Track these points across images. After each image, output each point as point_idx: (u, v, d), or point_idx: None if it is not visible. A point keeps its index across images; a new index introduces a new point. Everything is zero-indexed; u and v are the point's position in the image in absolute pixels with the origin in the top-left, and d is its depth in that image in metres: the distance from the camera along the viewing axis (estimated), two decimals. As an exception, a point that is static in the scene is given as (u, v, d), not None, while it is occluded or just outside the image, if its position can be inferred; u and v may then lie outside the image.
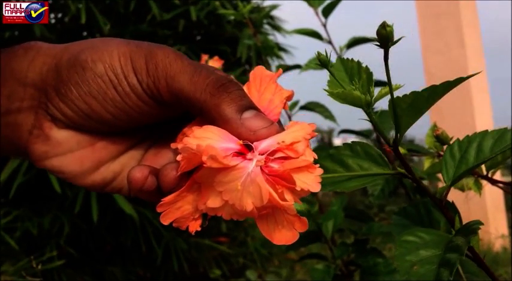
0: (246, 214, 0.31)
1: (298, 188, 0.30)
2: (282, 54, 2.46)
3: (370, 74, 0.41)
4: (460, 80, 0.36)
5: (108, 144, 0.37)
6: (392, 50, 0.36)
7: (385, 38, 0.36)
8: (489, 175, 0.59)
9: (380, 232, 0.92)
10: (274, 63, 2.34)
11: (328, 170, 0.41)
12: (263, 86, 0.36)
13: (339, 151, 0.41)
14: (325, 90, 0.36)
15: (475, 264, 0.44)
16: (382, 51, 0.37)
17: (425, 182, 0.88)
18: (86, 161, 0.36)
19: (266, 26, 2.52)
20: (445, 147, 0.62)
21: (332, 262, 0.96)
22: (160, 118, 0.36)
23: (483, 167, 0.59)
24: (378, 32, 0.36)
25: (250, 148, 0.32)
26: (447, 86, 0.36)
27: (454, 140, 0.45)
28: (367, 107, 0.38)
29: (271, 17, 2.52)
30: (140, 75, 0.33)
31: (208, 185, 0.31)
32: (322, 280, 0.89)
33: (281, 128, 0.34)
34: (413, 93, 0.37)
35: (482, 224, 0.39)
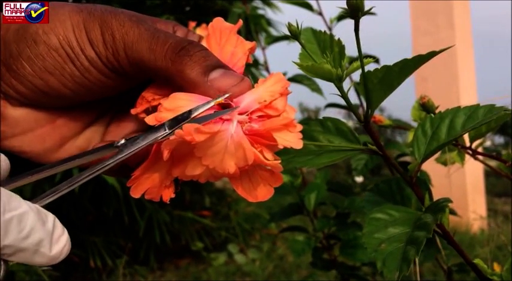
0: (225, 175, 0.30)
1: (280, 146, 0.29)
2: (272, 30, 2.44)
3: (342, 48, 0.39)
4: (431, 55, 0.34)
5: (69, 120, 0.35)
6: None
7: (355, 8, 0.33)
8: (472, 147, 0.59)
9: (362, 207, 0.92)
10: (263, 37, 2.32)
11: None
12: (223, 38, 0.34)
13: (310, 127, 0.40)
14: (294, 63, 0.34)
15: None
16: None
17: (409, 157, 0.88)
18: (47, 139, 0.34)
19: (257, 0, 2.49)
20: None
21: (313, 234, 0.97)
22: (123, 89, 0.34)
23: (466, 138, 0.59)
24: (347, 2, 0.33)
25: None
26: (418, 61, 0.35)
27: (439, 110, 0.44)
28: (338, 81, 0.36)
29: (262, -9, 2.50)
30: (97, 48, 0.31)
31: (183, 153, 0.30)
32: (301, 251, 0.89)
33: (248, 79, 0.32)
34: (385, 67, 0.35)
35: (451, 202, 0.38)
